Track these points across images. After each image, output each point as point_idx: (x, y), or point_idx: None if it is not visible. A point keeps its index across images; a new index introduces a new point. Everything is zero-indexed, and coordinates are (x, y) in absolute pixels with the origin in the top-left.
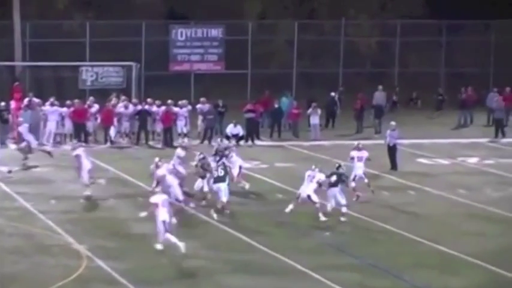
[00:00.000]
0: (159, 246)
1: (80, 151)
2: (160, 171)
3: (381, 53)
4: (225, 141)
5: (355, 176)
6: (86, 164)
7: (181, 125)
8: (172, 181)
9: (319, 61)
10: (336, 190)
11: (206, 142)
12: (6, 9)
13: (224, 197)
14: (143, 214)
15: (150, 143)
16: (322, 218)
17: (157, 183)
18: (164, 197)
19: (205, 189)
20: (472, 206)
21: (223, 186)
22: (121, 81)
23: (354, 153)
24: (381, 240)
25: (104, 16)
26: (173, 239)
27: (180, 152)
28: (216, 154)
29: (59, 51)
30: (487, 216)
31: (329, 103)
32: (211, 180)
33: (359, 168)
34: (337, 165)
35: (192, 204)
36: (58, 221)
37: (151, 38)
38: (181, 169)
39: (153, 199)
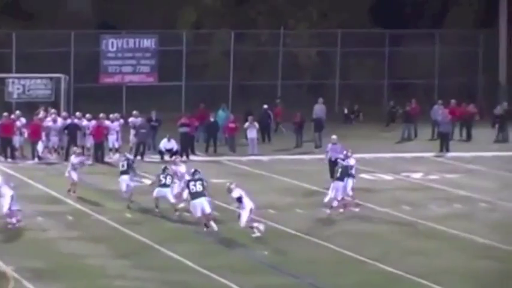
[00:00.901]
0: None
1: None
2: None
3: (321, 64)
4: (128, 155)
5: None
6: None
7: (112, 140)
8: (6, 192)
9: (256, 73)
10: (340, 184)
11: (139, 157)
12: None
13: (208, 209)
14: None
15: None
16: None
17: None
18: None
19: (172, 200)
20: (417, 223)
21: (203, 201)
22: (49, 93)
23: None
24: (321, 259)
25: (31, 26)
26: None
27: (72, 159)
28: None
29: None
30: (432, 234)
31: (262, 116)
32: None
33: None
34: None
35: (13, 220)
36: None
37: (80, 48)
38: (73, 174)
39: None
